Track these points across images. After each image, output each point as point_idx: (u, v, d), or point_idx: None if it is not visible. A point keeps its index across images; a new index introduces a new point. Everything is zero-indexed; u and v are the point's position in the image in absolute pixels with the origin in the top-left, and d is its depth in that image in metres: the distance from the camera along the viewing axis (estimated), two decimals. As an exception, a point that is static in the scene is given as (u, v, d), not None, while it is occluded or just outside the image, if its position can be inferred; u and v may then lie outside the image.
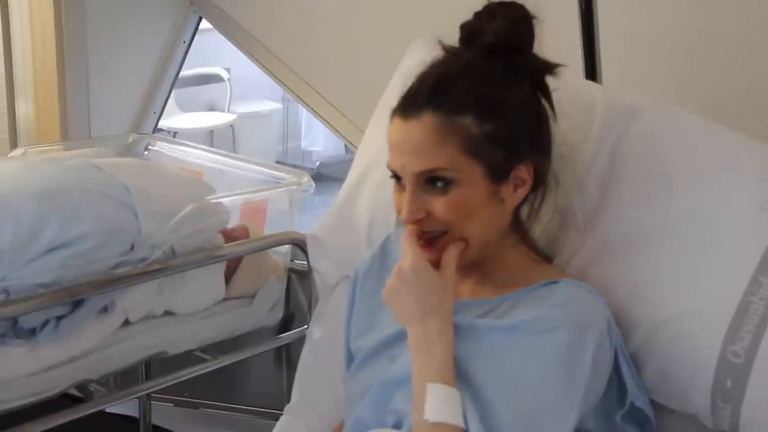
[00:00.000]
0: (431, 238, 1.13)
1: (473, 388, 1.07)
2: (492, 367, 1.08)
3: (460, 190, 1.09)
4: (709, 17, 1.78)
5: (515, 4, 1.13)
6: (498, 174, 1.11)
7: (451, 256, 1.12)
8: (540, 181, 1.17)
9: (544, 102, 1.16)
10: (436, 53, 1.16)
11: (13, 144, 2.83)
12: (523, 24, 1.13)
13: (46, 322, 1.71)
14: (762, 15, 1.71)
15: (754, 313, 1.11)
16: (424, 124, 1.08)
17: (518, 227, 1.19)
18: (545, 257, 1.23)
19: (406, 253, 1.11)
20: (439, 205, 1.10)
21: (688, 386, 1.16)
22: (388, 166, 1.13)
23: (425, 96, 1.09)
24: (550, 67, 1.15)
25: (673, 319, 1.16)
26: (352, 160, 1.62)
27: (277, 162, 5.46)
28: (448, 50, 1.16)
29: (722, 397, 1.13)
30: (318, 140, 6.04)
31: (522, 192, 1.14)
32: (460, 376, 1.09)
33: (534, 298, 1.12)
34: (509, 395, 1.05)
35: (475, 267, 1.18)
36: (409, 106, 1.10)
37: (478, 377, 1.07)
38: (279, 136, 6.22)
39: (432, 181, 1.10)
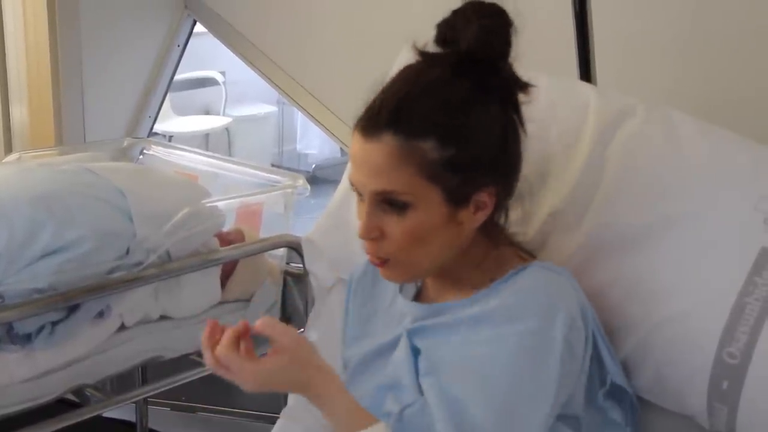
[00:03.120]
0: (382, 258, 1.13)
1: (443, 386, 1.07)
2: (462, 361, 1.08)
3: (417, 214, 1.09)
4: (704, 18, 1.79)
5: (494, 8, 1.10)
6: (457, 199, 1.09)
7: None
8: (505, 200, 1.15)
9: (515, 117, 1.13)
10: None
11: (8, 149, 2.82)
12: (497, 35, 1.10)
13: (41, 328, 1.70)
14: (756, 16, 1.71)
15: (750, 314, 1.11)
16: (383, 147, 1.07)
17: (492, 232, 1.17)
18: (528, 253, 1.22)
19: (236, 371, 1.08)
20: (394, 227, 1.10)
21: (685, 387, 1.16)
22: (349, 180, 1.13)
23: (386, 118, 1.07)
24: (521, 86, 1.13)
25: (669, 320, 1.16)
26: (347, 162, 1.61)
27: (273, 165, 5.48)
28: (412, 65, 1.13)
29: (719, 398, 1.13)
30: (313, 143, 6.04)
31: (482, 215, 1.12)
32: (429, 375, 1.10)
33: (504, 287, 1.12)
34: (481, 387, 1.05)
35: (447, 271, 1.18)
36: (370, 125, 1.08)
37: (447, 374, 1.08)
38: (274, 139, 6.22)
39: (390, 201, 1.09)
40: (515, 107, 1.13)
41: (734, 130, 1.26)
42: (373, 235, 1.11)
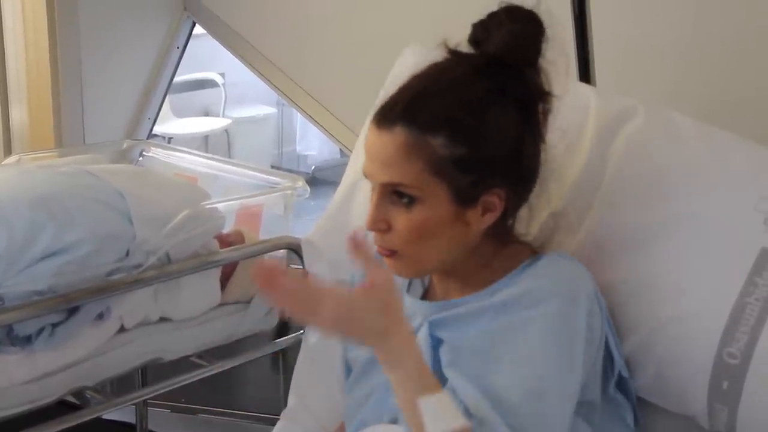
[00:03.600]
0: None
1: (472, 373, 1.06)
2: (490, 347, 1.08)
3: (423, 209, 1.08)
4: (703, 20, 1.79)
5: (528, 14, 1.11)
6: (464, 198, 1.09)
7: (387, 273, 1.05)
8: (517, 204, 1.15)
9: (534, 124, 1.13)
10: (428, 58, 1.15)
11: (7, 151, 2.82)
12: (527, 41, 1.11)
13: (41, 330, 1.70)
14: (755, 18, 1.72)
15: (750, 314, 1.11)
16: (395, 138, 1.07)
17: (501, 234, 1.16)
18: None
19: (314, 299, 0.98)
20: (400, 221, 1.10)
21: (685, 388, 1.16)
22: (363, 171, 1.13)
23: (401, 110, 1.08)
24: (542, 95, 1.13)
25: (669, 320, 1.16)
26: (346, 164, 1.62)
27: (273, 166, 5.47)
28: (438, 62, 1.14)
29: (719, 399, 1.13)
30: (313, 144, 6.05)
31: (490, 217, 1.12)
32: (455, 365, 1.09)
33: (525, 275, 1.12)
34: (511, 371, 1.05)
35: (454, 271, 1.17)
36: (384, 117, 1.09)
37: (474, 361, 1.08)
38: (274, 141, 6.22)
39: (398, 194, 1.09)
40: (535, 115, 1.13)
41: (734, 131, 1.26)
42: (379, 226, 1.11)
